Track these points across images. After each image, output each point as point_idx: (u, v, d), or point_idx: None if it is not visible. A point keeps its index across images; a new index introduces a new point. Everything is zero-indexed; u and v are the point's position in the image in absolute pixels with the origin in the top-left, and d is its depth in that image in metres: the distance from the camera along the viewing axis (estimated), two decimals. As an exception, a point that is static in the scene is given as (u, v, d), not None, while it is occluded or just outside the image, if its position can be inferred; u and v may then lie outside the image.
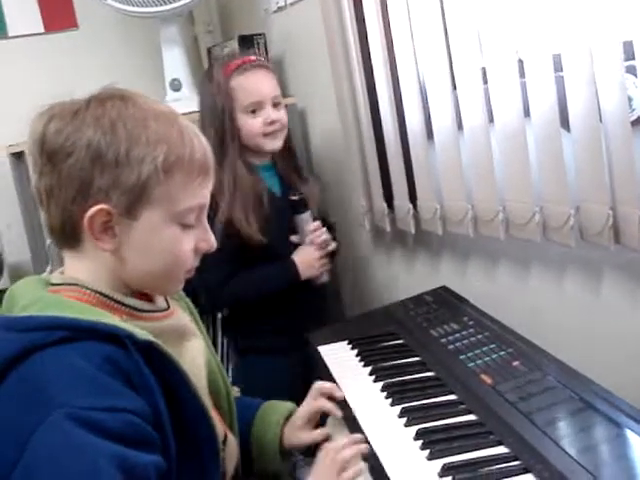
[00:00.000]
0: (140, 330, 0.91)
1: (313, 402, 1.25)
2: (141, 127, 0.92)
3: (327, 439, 1.20)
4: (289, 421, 1.25)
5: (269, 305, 1.82)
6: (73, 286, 0.96)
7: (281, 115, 1.81)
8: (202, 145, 0.98)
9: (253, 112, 1.78)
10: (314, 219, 1.84)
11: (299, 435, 1.23)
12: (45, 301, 0.93)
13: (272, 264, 1.80)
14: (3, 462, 0.81)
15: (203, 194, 0.98)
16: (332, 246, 1.85)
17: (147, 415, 0.86)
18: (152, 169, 0.92)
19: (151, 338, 0.91)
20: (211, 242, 1.02)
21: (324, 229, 1.83)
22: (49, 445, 0.79)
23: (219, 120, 1.77)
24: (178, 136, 0.94)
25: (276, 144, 1.81)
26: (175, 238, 0.96)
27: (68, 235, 0.95)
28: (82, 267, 0.97)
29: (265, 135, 1.79)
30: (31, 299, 0.93)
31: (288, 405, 1.28)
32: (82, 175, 0.91)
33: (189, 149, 0.95)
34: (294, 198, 1.81)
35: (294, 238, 1.81)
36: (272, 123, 1.78)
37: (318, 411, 1.24)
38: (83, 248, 0.96)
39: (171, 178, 0.93)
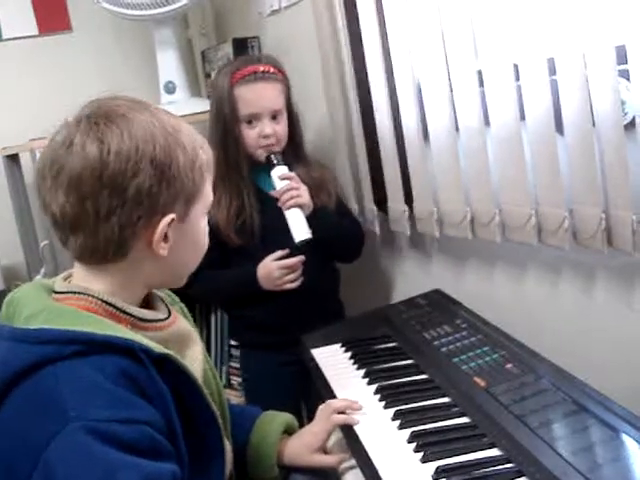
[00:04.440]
0: (153, 343, 0.91)
1: (330, 421, 1.22)
2: (178, 135, 0.94)
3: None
4: (301, 441, 1.23)
5: (267, 301, 1.84)
6: (78, 294, 0.95)
7: (277, 129, 1.82)
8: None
9: (250, 123, 1.82)
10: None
11: (312, 457, 1.21)
12: (50, 311, 0.92)
13: (238, 270, 1.85)
14: (17, 475, 0.81)
15: None
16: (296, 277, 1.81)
17: (162, 427, 0.87)
18: (199, 174, 0.96)
19: (165, 351, 0.91)
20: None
21: (293, 187, 1.78)
22: (65, 458, 0.79)
23: (222, 124, 1.82)
24: (201, 138, 1.00)
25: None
26: (205, 228, 1.04)
27: (116, 251, 0.93)
28: (101, 278, 0.96)
29: (260, 147, 1.82)
30: (35, 309, 0.92)
31: (287, 417, 1.28)
32: (151, 192, 0.91)
33: (208, 148, 1.01)
34: (271, 155, 1.82)
35: (273, 192, 1.81)
36: (266, 137, 1.81)
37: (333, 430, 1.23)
38: (122, 260, 0.95)
39: (208, 177, 1.00)
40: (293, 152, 1.88)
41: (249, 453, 1.22)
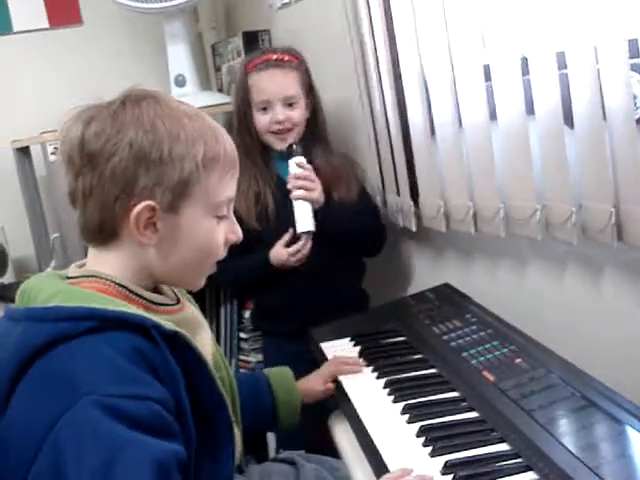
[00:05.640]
0: (164, 321, 0.92)
1: (336, 367, 1.41)
2: (179, 125, 0.95)
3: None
4: (311, 379, 1.41)
5: (288, 290, 1.86)
6: (92, 278, 0.97)
7: (291, 115, 1.84)
8: (230, 141, 1.03)
9: (264, 109, 1.85)
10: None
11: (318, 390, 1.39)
12: (66, 293, 0.94)
13: (252, 256, 1.85)
14: (29, 446, 0.82)
15: (233, 186, 1.03)
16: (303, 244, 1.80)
17: (171, 406, 0.88)
18: (193, 166, 0.95)
19: (176, 328, 0.92)
20: (239, 233, 1.07)
21: (307, 177, 1.79)
22: (75, 432, 0.81)
23: (240, 113, 1.87)
24: (212, 134, 0.99)
25: (286, 145, 1.85)
26: (212, 230, 1.01)
27: (105, 232, 0.97)
28: (109, 261, 0.98)
29: (274, 133, 1.84)
30: (51, 292, 0.94)
31: (287, 370, 1.41)
32: (126, 174, 0.93)
33: (222, 146, 1.00)
34: (293, 145, 1.83)
35: (289, 185, 1.81)
36: (279, 122, 1.82)
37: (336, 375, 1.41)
38: (118, 244, 0.97)
39: (209, 174, 0.97)
40: (314, 139, 1.89)
41: (282, 408, 1.34)
